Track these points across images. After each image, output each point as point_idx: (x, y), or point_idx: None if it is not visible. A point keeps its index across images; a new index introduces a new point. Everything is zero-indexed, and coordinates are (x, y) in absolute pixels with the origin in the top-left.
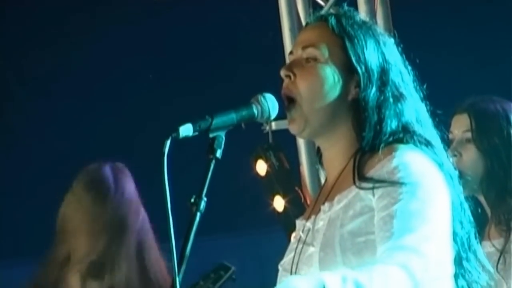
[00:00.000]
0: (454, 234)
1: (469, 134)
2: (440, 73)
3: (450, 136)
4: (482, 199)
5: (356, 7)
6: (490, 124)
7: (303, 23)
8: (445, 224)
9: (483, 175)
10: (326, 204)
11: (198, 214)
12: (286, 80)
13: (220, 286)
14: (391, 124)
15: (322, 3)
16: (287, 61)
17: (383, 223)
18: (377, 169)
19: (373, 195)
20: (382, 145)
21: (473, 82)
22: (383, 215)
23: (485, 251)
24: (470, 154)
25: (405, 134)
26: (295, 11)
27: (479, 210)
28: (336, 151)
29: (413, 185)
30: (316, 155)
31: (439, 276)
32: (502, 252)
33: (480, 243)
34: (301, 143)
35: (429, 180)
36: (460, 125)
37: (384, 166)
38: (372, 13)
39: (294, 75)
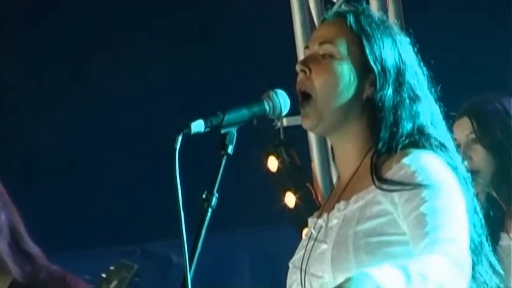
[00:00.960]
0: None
1: (473, 136)
2: (451, 72)
3: (455, 142)
4: (496, 195)
5: (367, 4)
6: (491, 121)
7: (315, 19)
8: (466, 221)
9: (493, 172)
10: (342, 203)
11: (210, 210)
12: (301, 75)
13: (125, 287)
14: (407, 126)
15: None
16: (299, 57)
17: (417, 222)
18: (395, 172)
19: (392, 198)
20: (398, 146)
21: (480, 82)
22: (415, 214)
23: (503, 243)
24: (479, 154)
25: (420, 137)
26: (307, 7)
27: (496, 205)
28: (349, 149)
29: (435, 186)
30: (331, 152)
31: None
32: None
33: (498, 238)
34: (312, 139)
35: (447, 181)
36: (463, 129)
37: (402, 170)
38: (383, 10)
39: (310, 70)
